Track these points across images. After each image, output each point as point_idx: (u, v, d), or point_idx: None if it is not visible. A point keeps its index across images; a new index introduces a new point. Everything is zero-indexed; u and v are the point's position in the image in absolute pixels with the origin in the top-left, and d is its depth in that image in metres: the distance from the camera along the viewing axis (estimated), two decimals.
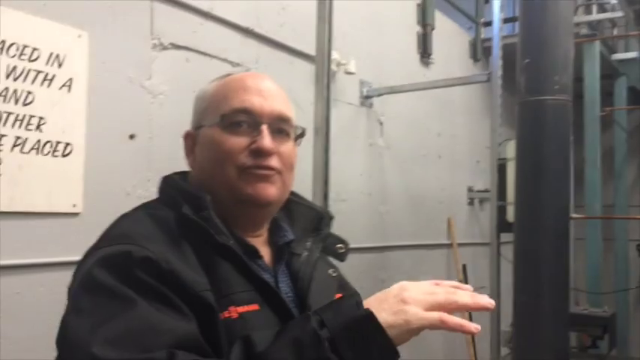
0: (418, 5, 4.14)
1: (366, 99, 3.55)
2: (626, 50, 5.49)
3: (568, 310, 2.46)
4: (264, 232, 0.98)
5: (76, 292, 0.78)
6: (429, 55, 4.23)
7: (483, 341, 4.05)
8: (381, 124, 3.74)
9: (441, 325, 0.71)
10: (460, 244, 4.56)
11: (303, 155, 3.08)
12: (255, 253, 0.90)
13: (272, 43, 2.83)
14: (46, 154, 1.80)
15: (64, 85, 1.86)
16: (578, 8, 4.79)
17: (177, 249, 0.81)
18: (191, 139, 0.96)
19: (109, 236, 0.84)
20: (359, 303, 0.72)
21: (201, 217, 0.84)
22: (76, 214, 1.92)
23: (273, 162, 0.90)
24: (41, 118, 1.78)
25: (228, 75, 0.98)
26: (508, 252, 3.47)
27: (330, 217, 1.03)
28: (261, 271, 0.88)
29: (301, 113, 2.97)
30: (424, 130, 4.21)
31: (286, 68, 2.92)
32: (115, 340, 0.68)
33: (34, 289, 1.83)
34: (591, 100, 4.75)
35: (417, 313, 0.71)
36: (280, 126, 0.92)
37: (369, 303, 0.72)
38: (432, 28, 4.22)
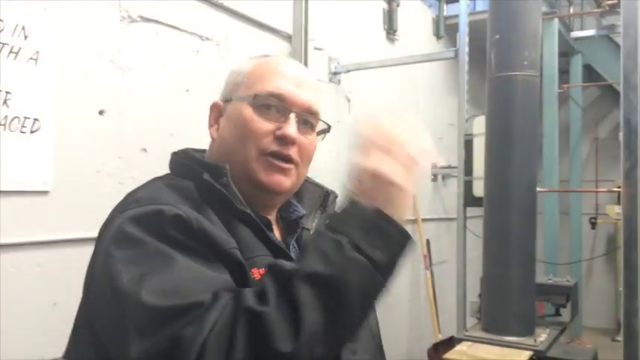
0: None
1: (334, 75, 3.54)
2: (582, 28, 5.65)
3: (535, 280, 2.55)
4: (274, 212, 1.00)
5: (110, 248, 0.77)
6: (395, 31, 4.25)
7: (449, 313, 4.17)
8: (348, 100, 3.74)
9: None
10: (424, 220, 4.65)
11: None
12: (268, 225, 0.92)
13: (242, 18, 2.77)
14: (14, 130, 1.72)
15: (30, 59, 1.77)
16: None
17: (203, 212, 0.82)
18: (217, 110, 0.97)
19: (134, 200, 0.82)
20: (364, 207, 0.74)
21: (221, 184, 0.86)
22: (45, 192, 1.85)
23: (293, 152, 0.90)
24: (8, 93, 1.70)
25: (267, 56, 1.00)
26: (472, 226, 3.56)
27: (336, 196, 1.05)
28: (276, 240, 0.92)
29: None
30: (390, 107, 4.23)
31: (256, 43, 2.87)
32: (162, 291, 0.70)
33: (4, 270, 1.76)
34: (549, 77, 4.88)
35: (411, 186, 0.75)
36: (308, 118, 0.93)
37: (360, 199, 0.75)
38: (397, 5, 4.23)
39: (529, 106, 2.46)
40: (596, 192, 5.31)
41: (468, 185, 3.33)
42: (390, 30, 4.21)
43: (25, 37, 1.76)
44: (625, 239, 1.67)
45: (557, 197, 5.05)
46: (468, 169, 3.31)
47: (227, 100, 0.96)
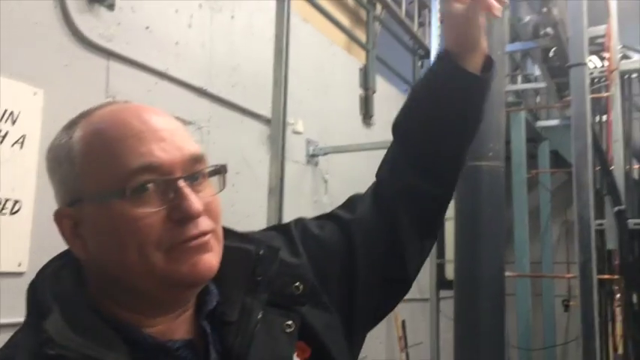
0: (360, 69, 4.39)
1: (311, 157, 3.66)
2: (548, 118, 5.95)
3: None
4: (190, 306, 0.72)
5: None
6: (371, 116, 4.45)
7: None
8: (325, 181, 3.85)
9: None
10: None
11: (256, 214, 3.07)
12: (167, 352, 0.67)
13: (224, 103, 2.90)
14: None
15: (16, 142, 1.84)
16: (505, 78, 5.20)
17: None
18: (69, 219, 0.68)
19: None
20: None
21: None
22: (20, 274, 1.86)
23: (204, 224, 0.66)
24: None
25: (90, 114, 0.70)
26: (446, 308, 3.60)
27: (275, 251, 0.76)
28: None
29: (250, 171, 3.03)
30: (366, 188, 4.35)
31: (237, 127, 3.00)
32: None
33: None
34: (518, 164, 5.09)
35: None
36: (196, 170, 0.68)
37: None
38: (374, 91, 4.46)
39: (495, 195, 2.58)
40: (563, 277, 5.40)
41: (441, 268, 3.40)
42: (367, 115, 4.41)
43: (13, 122, 1.83)
44: (583, 331, 1.73)
45: (529, 280, 5.12)
46: (440, 251, 3.40)
47: (75, 201, 0.66)
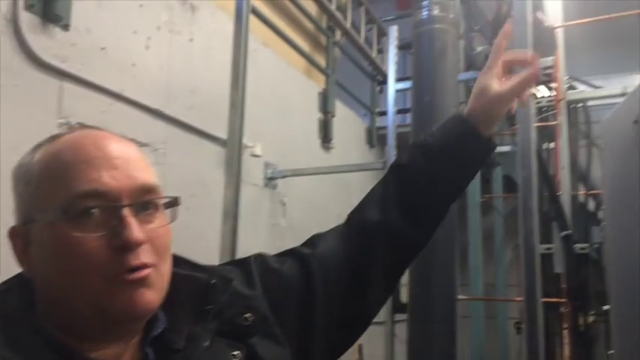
0: (320, 94, 4.45)
1: (269, 180, 3.67)
2: (501, 144, 6.14)
3: None
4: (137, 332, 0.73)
5: None
6: (330, 140, 4.50)
7: None
8: (283, 204, 3.86)
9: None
10: None
11: (211, 237, 3.04)
12: None
13: (181, 125, 2.89)
14: None
15: None
16: (460, 104, 5.34)
17: None
18: (21, 238, 0.69)
19: None
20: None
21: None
22: None
23: (145, 256, 0.66)
24: None
25: (57, 138, 0.73)
26: (401, 331, 3.62)
27: (227, 280, 0.78)
28: None
29: (207, 194, 3.01)
30: (324, 211, 4.38)
31: (194, 149, 2.98)
32: None
33: None
34: (472, 189, 5.22)
35: None
36: (145, 199, 0.69)
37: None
38: (333, 116, 4.52)
39: (447, 219, 2.63)
40: (513, 300, 5.52)
41: (396, 291, 3.43)
42: (326, 138, 4.46)
43: None
44: (528, 353, 1.78)
45: (483, 303, 5.22)
46: None
47: (29, 221, 0.68)
